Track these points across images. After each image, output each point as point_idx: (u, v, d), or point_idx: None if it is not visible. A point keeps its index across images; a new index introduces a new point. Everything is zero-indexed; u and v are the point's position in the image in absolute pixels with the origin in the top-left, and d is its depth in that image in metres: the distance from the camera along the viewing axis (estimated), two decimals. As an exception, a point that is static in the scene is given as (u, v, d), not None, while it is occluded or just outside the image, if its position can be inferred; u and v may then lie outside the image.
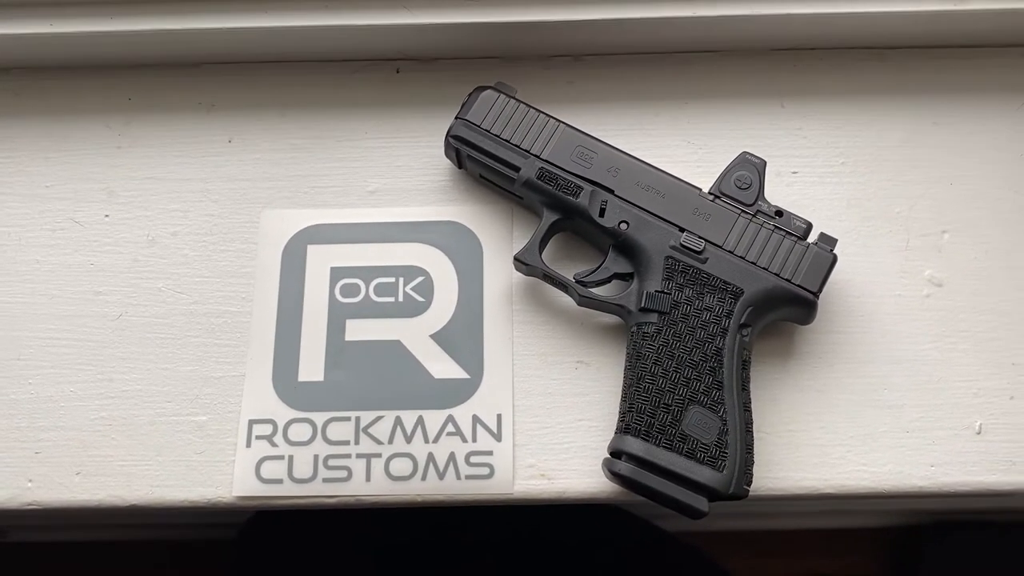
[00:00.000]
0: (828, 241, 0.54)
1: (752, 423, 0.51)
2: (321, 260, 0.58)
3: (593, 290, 0.55)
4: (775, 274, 0.53)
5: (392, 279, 0.58)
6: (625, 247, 0.55)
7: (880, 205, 0.59)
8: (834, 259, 0.54)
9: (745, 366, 0.52)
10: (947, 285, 0.57)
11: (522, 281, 0.57)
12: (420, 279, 0.58)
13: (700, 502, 0.49)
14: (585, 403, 0.55)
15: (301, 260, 0.58)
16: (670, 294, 0.53)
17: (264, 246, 0.59)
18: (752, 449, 0.51)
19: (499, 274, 0.58)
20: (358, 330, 0.57)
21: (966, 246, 0.58)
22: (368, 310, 0.57)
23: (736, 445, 0.50)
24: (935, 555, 0.94)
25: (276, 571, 0.80)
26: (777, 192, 0.58)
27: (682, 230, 0.54)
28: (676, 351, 0.51)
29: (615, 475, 0.50)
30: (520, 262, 0.55)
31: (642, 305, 0.53)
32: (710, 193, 0.55)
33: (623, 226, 0.55)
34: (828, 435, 0.53)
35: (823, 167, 0.60)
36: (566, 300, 0.57)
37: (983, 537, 0.94)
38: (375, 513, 0.54)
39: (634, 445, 0.50)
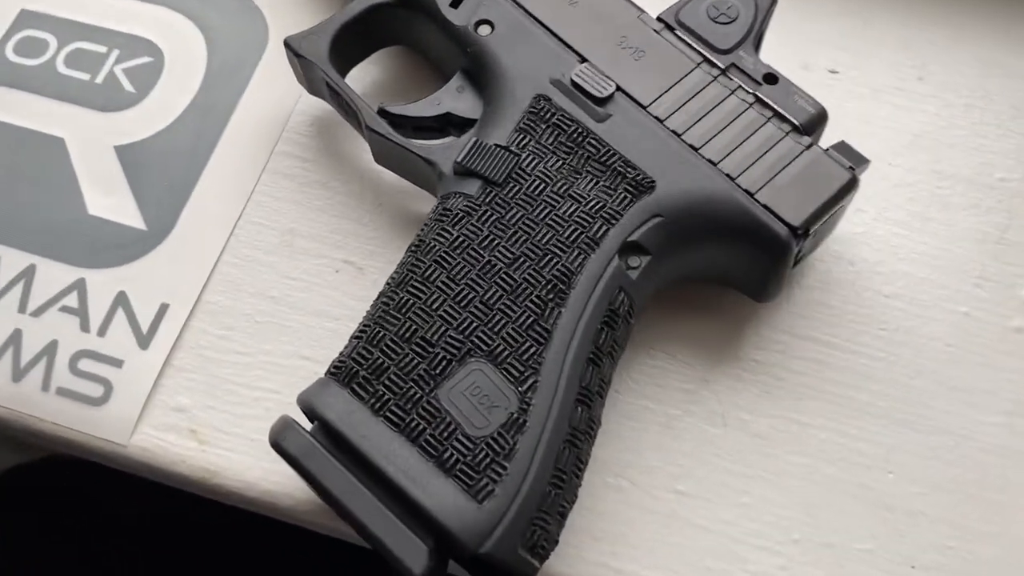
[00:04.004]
0: (850, 155, 0.28)
1: (594, 433, 0.25)
2: (8, -6, 0.35)
3: (397, 131, 0.29)
4: (728, 177, 0.27)
5: (102, 49, 0.34)
6: (479, 68, 0.30)
7: (967, 159, 0.33)
8: (852, 182, 0.27)
9: (614, 324, 0.26)
10: (1060, 321, 0.30)
11: (312, 108, 0.33)
12: (144, 60, 0.34)
13: (412, 551, 0.22)
14: (326, 332, 0.30)
15: (-24, -16, 0.35)
16: (518, 155, 0.27)
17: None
18: (574, 485, 0.24)
19: (278, 82, 0.33)
20: (6, 105, 0.33)
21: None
22: (41, 82, 0.33)
23: (536, 460, 0.23)
24: None
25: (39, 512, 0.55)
26: (793, 91, 0.32)
27: (583, 60, 0.29)
28: (489, 254, 0.26)
29: (278, 448, 0.24)
30: (292, 51, 0.31)
31: (459, 160, 0.27)
32: (659, 19, 0.30)
33: (483, 30, 0.30)
34: (752, 524, 0.26)
35: (883, 75, 0.35)
36: (365, 158, 0.32)
37: None
38: None
39: (332, 401, 0.24)
